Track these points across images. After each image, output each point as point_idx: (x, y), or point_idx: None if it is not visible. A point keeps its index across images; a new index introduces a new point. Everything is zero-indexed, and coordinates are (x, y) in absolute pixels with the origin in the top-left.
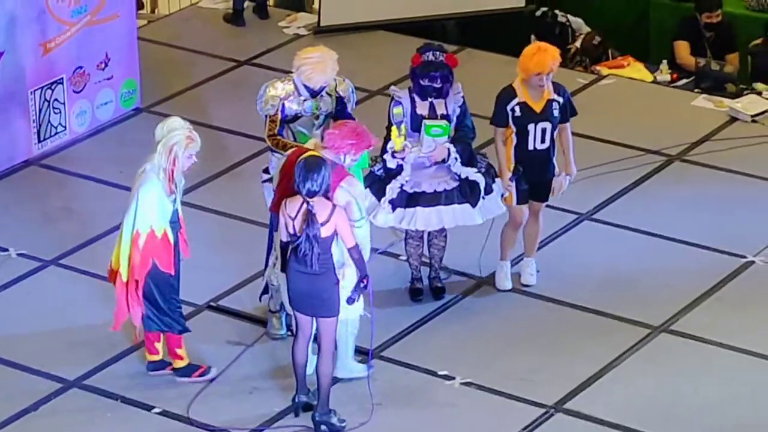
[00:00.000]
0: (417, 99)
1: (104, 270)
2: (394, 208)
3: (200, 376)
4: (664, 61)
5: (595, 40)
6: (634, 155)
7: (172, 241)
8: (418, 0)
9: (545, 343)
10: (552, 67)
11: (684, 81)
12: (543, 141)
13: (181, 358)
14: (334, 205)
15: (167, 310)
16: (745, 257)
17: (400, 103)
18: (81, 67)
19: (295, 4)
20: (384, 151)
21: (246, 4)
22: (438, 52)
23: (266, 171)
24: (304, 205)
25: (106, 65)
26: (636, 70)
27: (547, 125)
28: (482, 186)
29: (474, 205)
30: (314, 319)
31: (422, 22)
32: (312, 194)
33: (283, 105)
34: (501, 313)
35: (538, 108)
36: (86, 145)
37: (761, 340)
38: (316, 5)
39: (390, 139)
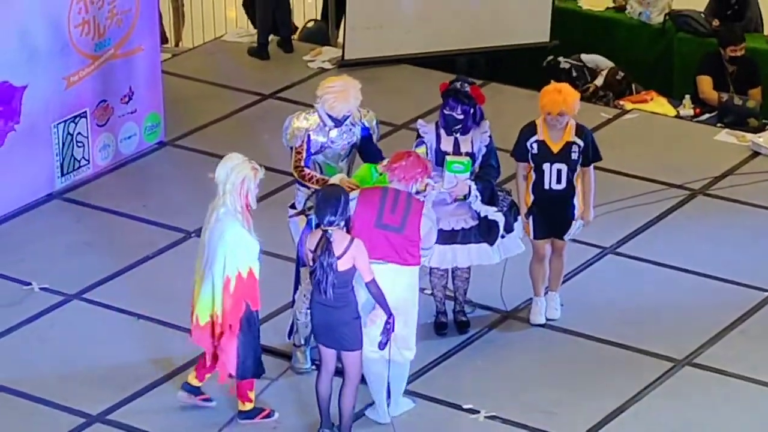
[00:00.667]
0: (443, 134)
1: (127, 303)
2: None
3: (264, 418)
4: (687, 96)
5: (618, 75)
6: (657, 189)
7: (257, 276)
8: (442, 34)
9: (569, 377)
10: (564, 109)
11: (707, 116)
12: (559, 182)
13: (251, 401)
14: (353, 238)
15: (256, 351)
16: (767, 291)
17: (423, 142)
18: (104, 101)
19: (320, 37)
20: None
21: (270, 37)
22: (466, 84)
23: (293, 206)
24: (324, 236)
25: (130, 99)
26: (659, 104)
27: (563, 167)
28: (501, 225)
29: (492, 244)
30: (338, 352)
31: (447, 57)
32: (330, 224)
33: (309, 136)
34: (525, 346)
35: (555, 148)
36: (109, 178)
37: None
38: (340, 39)
39: None
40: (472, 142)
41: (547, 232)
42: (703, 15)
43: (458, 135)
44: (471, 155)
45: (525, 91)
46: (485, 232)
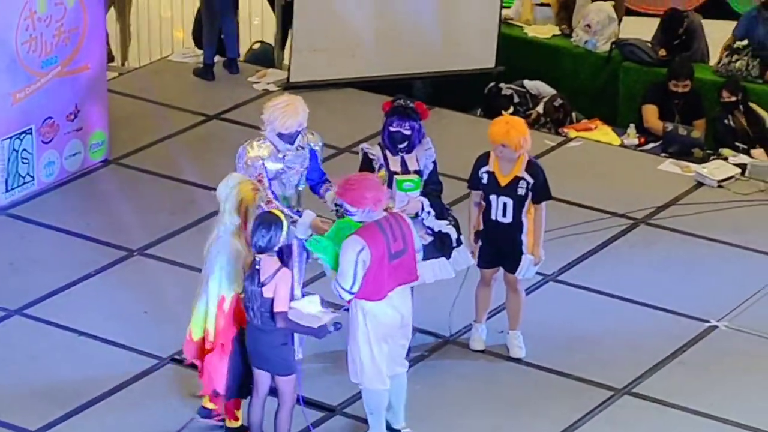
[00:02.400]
0: (389, 155)
1: (68, 320)
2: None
3: None
4: (632, 125)
5: (556, 101)
6: (600, 218)
7: None
8: (387, 59)
9: (508, 403)
10: (506, 142)
11: (651, 145)
12: (504, 215)
13: (237, 419)
14: (281, 267)
15: (244, 371)
16: (708, 321)
17: (383, 166)
18: (50, 118)
19: (266, 59)
20: None
21: (216, 58)
22: (408, 100)
23: None
24: (253, 262)
25: (76, 116)
26: (604, 133)
27: (509, 201)
28: (453, 238)
29: (448, 258)
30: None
31: (391, 81)
32: (258, 249)
33: (264, 165)
34: (464, 372)
35: (503, 181)
36: (54, 195)
37: (723, 405)
38: (286, 61)
39: None
40: (417, 160)
41: (493, 262)
42: (650, 44)
43: (404, 153)
44: (418, 172)
45: (467, 116)
46: (440, 246)
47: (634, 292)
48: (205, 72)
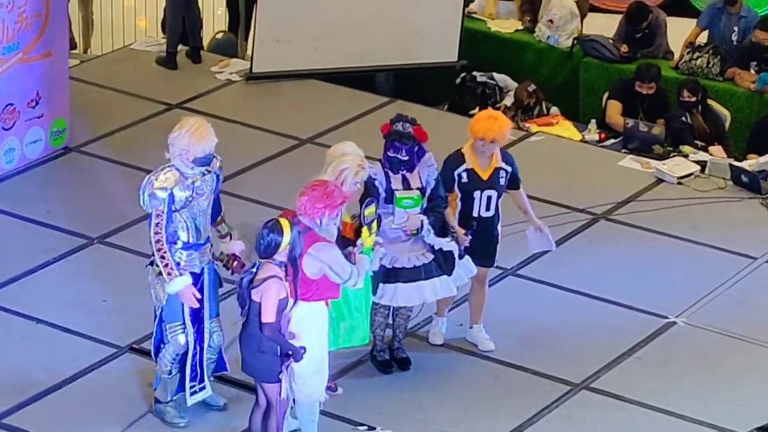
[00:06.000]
0: (390, 173)
1: (26, 308)
2: (375, 286)
3: None
4: (593, 121)
5: (530, 87)
6: (560, 213)
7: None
8: (350, 51)
9: (466, 397)
10: (497, 137)
11: (612, 141)
12: (488, 209)
13: None
14: (271, 276)
15: None
16: (666, 318)
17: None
18: (11, 104)
19: (229, 49)
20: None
21: (179, 47)
22: (408, 124)
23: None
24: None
25: (37, 103)
26: (565, 128)
27: (493, 193)
28: (456, 254)
29: (450, 275)
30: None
31: (355, 73)
32: (257, 251)
33: (172, 195)
34: (423, 365)
35: (485, 175)
36: (14, 182)
37: (680, 401)
38: (249, 52)
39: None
40: (419, 176)
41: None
42: (611, 41)
43: (404, 172)
44: (421, 189)
45: (430, 109)
46: (442, 263)
47: (593, 287)
48: (168, 61)
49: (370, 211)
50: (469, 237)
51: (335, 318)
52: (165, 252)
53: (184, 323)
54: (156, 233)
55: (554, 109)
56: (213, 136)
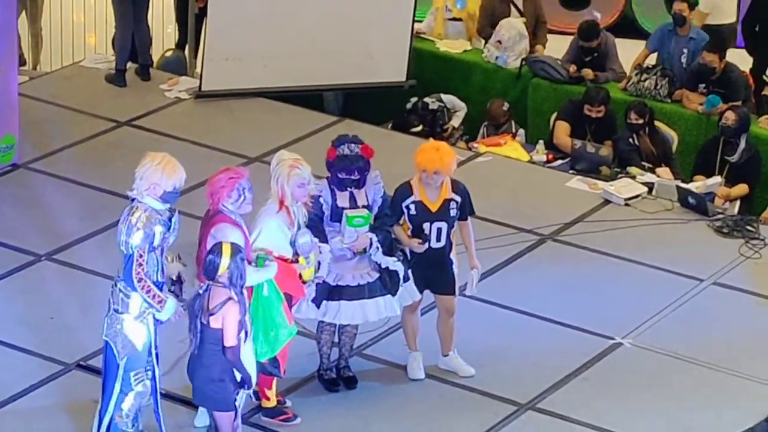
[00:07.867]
0: (336, 190)
1: None
2: (318, 303)
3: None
4: (541, 142)
5: (504, 106)
6: (508, 233)
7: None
8: (300, 70)
9: (411, 416)
10: (439, 168)
11: (559, 162)
12: (439, 240)
13: (268, 399)
14: (229, 299)
15: None
16: (613, 339)
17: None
18: None
19: (178, 67)
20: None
21: (129, 65)
22: (353, 144)
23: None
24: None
25: None
26: (513, 148)
27: (443, 225)
28: (401, 274)
29: (394, 295)
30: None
31: (304, 92)
32: (210, 278)
33: (153, 233)
34: (368, 384)
35: (434, 207)
36: None
37: (626, 422)
38: (198, 69)
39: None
40: (366, 194)
41: (421, 287)
42: (559, 61)
43: (352, 189)
44: (367, 207)
45: (378, 129)
46: (387, 282)
47: (539, 308)
48: (117, 78)
49: (303, 240)
50: (425, 246)
51: (264, 329)
52: (149, 286)
53: (147, 367)
54: (138, 274)
55: (521, 132)
56: (183, 172)
